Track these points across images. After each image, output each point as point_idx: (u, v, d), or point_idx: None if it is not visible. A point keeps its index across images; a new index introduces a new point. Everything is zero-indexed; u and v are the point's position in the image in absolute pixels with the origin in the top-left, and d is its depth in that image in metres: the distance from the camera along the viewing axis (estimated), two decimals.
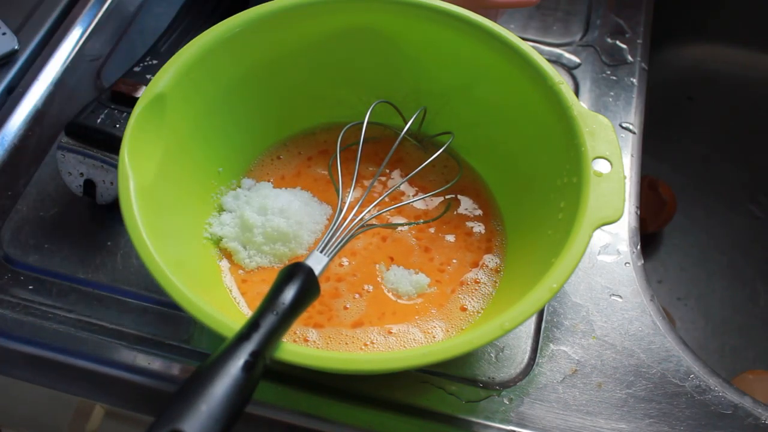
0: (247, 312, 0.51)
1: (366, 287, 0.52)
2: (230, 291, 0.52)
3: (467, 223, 0.56)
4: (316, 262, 0.46)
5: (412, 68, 0.58)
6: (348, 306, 0.51)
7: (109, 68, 0.67)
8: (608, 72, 0.70)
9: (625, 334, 0.54)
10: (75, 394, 0.54)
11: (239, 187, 0.57)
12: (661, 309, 0.56)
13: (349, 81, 0.59)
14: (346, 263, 0.53)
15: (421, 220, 0.56)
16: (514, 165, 0.56)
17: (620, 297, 0.56)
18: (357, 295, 0.52)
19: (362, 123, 0.55)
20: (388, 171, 0.59)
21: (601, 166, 0.47)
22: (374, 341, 0.50)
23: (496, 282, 0.53)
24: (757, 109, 0.95)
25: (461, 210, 0.57)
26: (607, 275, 0.57)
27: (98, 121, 0.55)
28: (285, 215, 0.53)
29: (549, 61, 0.52)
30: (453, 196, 0.58)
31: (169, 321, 0.53)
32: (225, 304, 0.50)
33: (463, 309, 0.52)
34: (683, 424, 0.50)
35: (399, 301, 0.52)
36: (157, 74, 0.49)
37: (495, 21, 0.54)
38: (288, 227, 0.53)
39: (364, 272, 0.53)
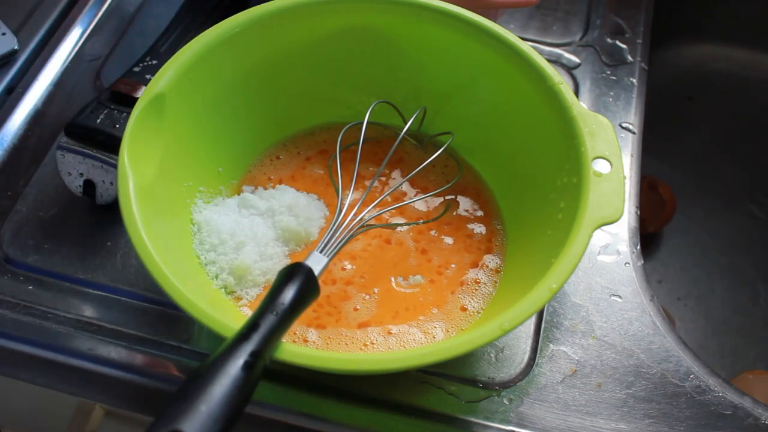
0: (246, 312, 0.51)
1: (375, 289, 0.52)
2: None
3: (467, 223, 0.56)
4: (316, 263, 0.46)
5: (412, 68, 0.58)
6: (359, 307, 0.51)
7: (109, 68, 0.67)
8: (608, 72, 0.70)
9: (625, 335, 0.54)
10: (75, 394, 0.54)
11: (239, 192, 0.56)
12: (660, 309, 0.56)
13: (348, 81, 0.59)
14: (348, 266, 0.53)
15: (421, 221, 0.56)
16: (513, 165, 0.56)
17: (620, 297, 0.56)
18: (366, 296, 0.52)
19: (362, 123, 0.55)
20: (387, 171, 0.59)
21: (601, 166, 0.47)
22: (374, 341, 0.50)
23: (496, 282, 0.53)
24: (757, 109, 0.95)
25: (461, 210, 0.57)
26: (606, 275, 0.57)
27: (98, 121, 0.55)
28: (294, 212, 0.54)
29: (549, 61, 0.52)
30: (453, 196, 0.58)
31: (168, 321, 0.53)
32: (224, 304, 0.50)
33: (464, 309, 0.52)
34: (683, 425, 0.50)
35: (405, 291, 0.52)
36: (157, 74, 0.49)
37: (495, 21, 0.54)
38: (298, 225, 0.53)
39: (370, 274, 0.53)
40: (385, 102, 0.58)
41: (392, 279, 0.53)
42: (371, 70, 0.58)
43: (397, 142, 0.55)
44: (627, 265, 0.58)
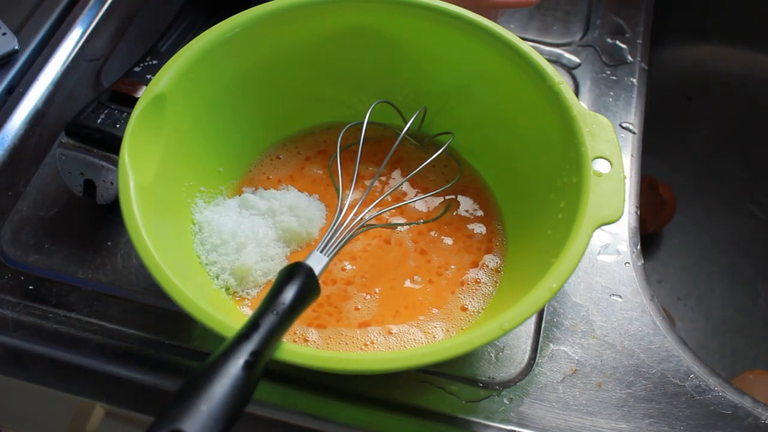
0: (247, 312, 0.51)
1: (376, 288, 0.52)
2: None
3: (467, 223, 0.56)
4: (316, 262, 0.46)
5: (412, 68, 0.58)
6: (359, 307, 0.51)
7: (109, 68, 0.67)
8: (608, 72, 0.70)
9: (625, 334, 0.54)
10: (75, 394, 0.54)
11: (240, 192, 0.56)
12: (661, 309, 0.56)
13: (349, 81, 0.59)
14: (349, 267, 0.53)
15: (421, 220, 0.56)
16: (514, 165, 0.56)
17: (620, 297, 0.56)
18: (367, 296, 0.52)
19: (362, 123, 0.55)
20: (387, 171, 0.59)
21: (601, 166, 0.47)
22: (374, 341, 0.50)
23: (496, 282, 0.53)
24: (757, 109, 0.95)
25: (461, 210, 0.57)
26: (607, 275, 0.57)
27: (98, 121, 0.55)
28: (295, 212, 0.54)
29: (549, 61, 0.52)
30: (453, 196, 0.58)
31: (169, 321, 0.53)
32: (225, 304, 0.50)
33: (464, 309, 0.52)
34: (683, 424, 0.50)
35: (406, 289, 0.52)
36: (158, 74, 0.49)
37: (495, 21, 0.54)
38: (299, 226, 0.53)
39: (371, 274, 0.53)
40: (386, 102, 0.58)
41: (393, 278, 0.53)
42: (371, 70, 0.58)
43: (397, 142, 0.55)
44: (627, 264, 0.58)
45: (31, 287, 0.54)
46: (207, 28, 0.52)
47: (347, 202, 0.53)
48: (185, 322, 0.53)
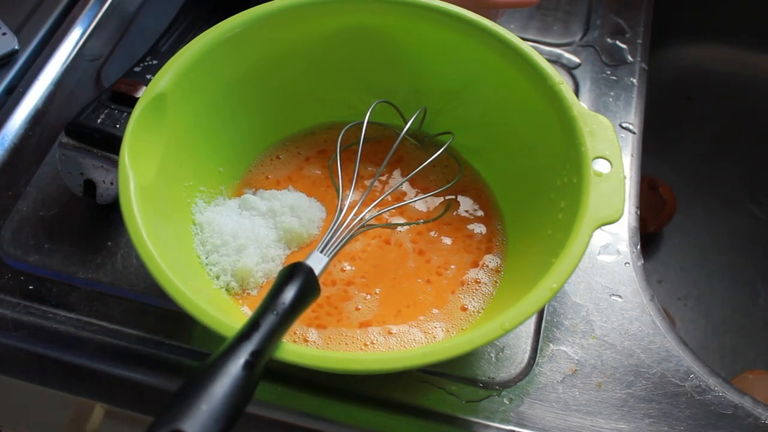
0: (247, 312, 0.51)
1: (376, 289, 0.52)
2: None
3: (467, 223, 0.56)
4: (316, 262, 0.46)
5: (413, 68, 0.58)
6: (360, 307, 0.51)
7: (110, 68, 0.67)
8: (608, 72, 0.70)
9: (625, 334, 0.54)
10: (75, 394, 0.54)
11: (240, 192, 0.56)
12: (661, 309, 0.56)
13: (349, 81, 0.59)
14: (348, 267, 0.53)
15: (421, 220, 0.56)
16: (514, 165, 0.56)
17: (620, 297, 0.56)
18: (368, 296, 0.52)
19: (362, 123, 0.55)
20: (388, 171, 0.59)
21: (601, 166, 0.47)
22: (375, 341, 0.50)
23: (496, 282, 0.53)
24: (757, 109, 0.95)
25: (462, 210, 0.57)
26: (607, 275, 0.57)
27: (98, 120, 0.55)
28: (296, 213, 0.54)
29: (549, 61, 0.52)
30: (453, 196, 0.58)
31: (169, 321, 0.53)
32: (225, 304, 0.50)
33: (464, 309, 0.52)
34: (683, 424, 0.50)
35: (406, 287, 0.52)
36: (158, 74, 0.49)
37: (495, 21, 0.54)
38: (300, 227, 0.53)
39: (372, 274, 0.53)
40: (386, 102, 0.58)
41: (393, 278, 0.53)
42: (372, 70, 0.58)
43: (397, 142, 0.55)
44: (627, 264, 0.58)
45: (31, 287, 0.54)
46: (207, 28, 0.52)
47: (347, 203, 0.53)
48: (185, 322, 0.53)
